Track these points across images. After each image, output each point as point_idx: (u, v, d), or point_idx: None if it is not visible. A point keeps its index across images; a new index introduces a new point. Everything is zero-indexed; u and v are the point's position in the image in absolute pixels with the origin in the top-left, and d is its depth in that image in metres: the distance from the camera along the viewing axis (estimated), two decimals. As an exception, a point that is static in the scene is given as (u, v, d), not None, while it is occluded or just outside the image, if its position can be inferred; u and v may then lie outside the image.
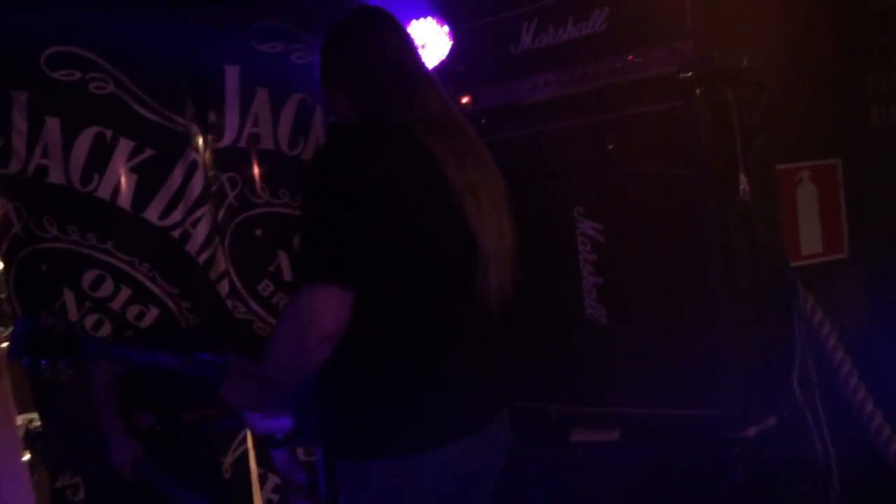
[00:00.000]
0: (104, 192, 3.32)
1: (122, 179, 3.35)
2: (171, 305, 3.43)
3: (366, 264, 1.77)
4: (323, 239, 1.76)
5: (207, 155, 3.53)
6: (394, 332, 1.85)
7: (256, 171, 3.62)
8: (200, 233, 3.48)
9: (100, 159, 3.30)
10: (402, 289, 1.84)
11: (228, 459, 3.50)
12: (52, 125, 3.23)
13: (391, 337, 1.85)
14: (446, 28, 2.80)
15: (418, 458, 1.84)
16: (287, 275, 3.64)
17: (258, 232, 3.60)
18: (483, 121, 2.81)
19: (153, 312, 3.38)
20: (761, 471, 2.40)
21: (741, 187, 2.37)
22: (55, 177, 3.26)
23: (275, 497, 3.57)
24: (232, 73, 3.51)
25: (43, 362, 2.14)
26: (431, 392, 1.87)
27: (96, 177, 3.29)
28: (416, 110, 1.96)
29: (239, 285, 3.59)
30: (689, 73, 2.37)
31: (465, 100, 2.85)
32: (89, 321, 3.29)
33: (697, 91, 2.35)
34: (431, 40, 2.81)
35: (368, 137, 1.88)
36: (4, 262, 3.14)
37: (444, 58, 2.84)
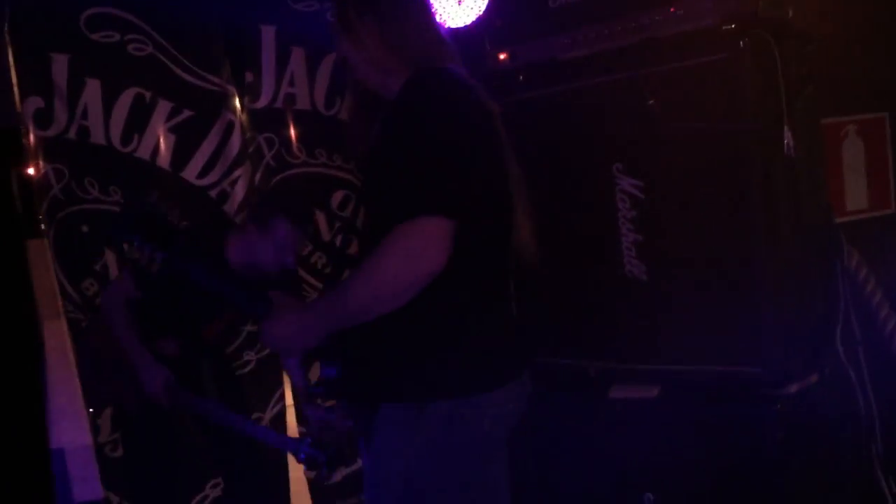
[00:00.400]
0: (144, 153, 3.36)
1: (162, 140, 3.38)
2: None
3: (466, 203, 1.81)
4: (436, 173, 1.78)
5: (244, 115, 3.54)
6: (465, 272, 1.86)
7: (293, 131, 3.64)
8: (238, 193, 3.51)
9: (139, 120, 3.33)
10: (481, 231, 1.88)
11: (267, 415, 3.56)
12: (93, 86, 3.26)
13: (462, 277, 1.86)
14: (484, -18, 2.76)
15: (474, 399, 1.88)
16: (325, 234, 3.66)
17: (295, 192, 3.62)
18: (521, 77, 2.78)
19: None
20: (803, 428, 2.39)
21: (786, 142, 2.32)
22: (96, 137, 3.29)
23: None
24: (268, 33, 3.51)
25: (144, 246, 2.11)
26: (492, 334, 1.92)
27: (136, 137, 3.33)
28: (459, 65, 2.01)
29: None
30: (733, 25, 2.32)
31: (502, 56, 2.81)
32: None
33: (741, 43, 2.30)
34: (469, -5, 2.77)
35: (463, 84, 1.92)
36: (44, 225, 3.18)
37: (480, 13, 2.80)
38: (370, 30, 1.95)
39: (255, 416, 3.51)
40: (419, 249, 1.75)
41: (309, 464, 2.78)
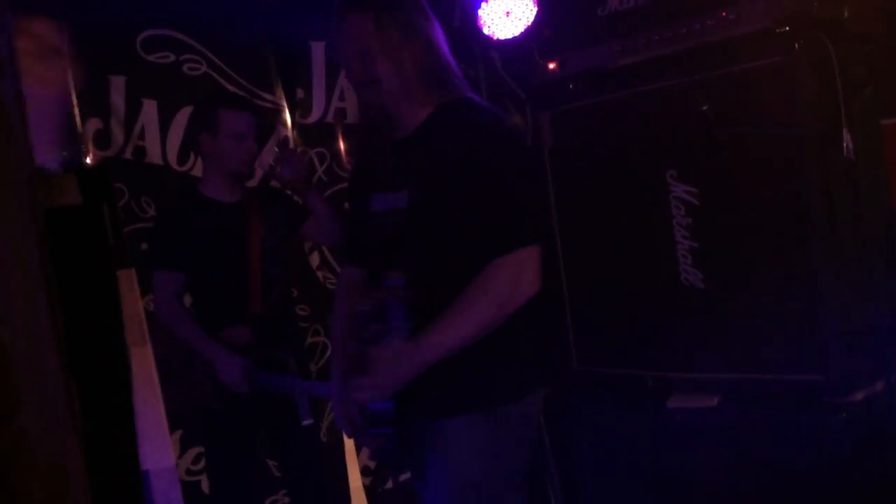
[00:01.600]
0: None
1: (217, 158, 3.43)
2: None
3: (542, 229, 2.09)
4: (521, 207, 1.98)
5: (295, 131, 3.59)
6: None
7: (343, 145, 3.67)
8: (294, 207, 3.55)
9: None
10: (544, 249, 2.05)
11: (325, 423, 3.59)
12: (149, 107, 3.33)
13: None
14: (532, -7, 2.76)
15: (531, 398, 2.07)
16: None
17: (346, 206, 3.64)
18: (571, 86, 2.78)
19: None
20: (870, 437, 2.33)
21: (845, 145, 2.28)
22: (153, 157, 3.36)
23: (371, 464, 3.65)
24: (318, 50, 3.56)
25: None
26: (541, 340, 2.08)
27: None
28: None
29: (329, 257, 3.66)
30: (787, 28, 2.29)
31: (552, 66, 2.81)
32: (187, 298, 3.41)
33: (796, 45, 2.27)
34: (517, 7, 2.77)
35: (500, 115, 2.13)
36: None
37: (529, 24, 2.81)
38: (411, 54, 2.01)
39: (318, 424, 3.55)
40: (525, 276, 1.95)
41: (379, 453, 2.74)
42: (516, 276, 1.94)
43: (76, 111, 3.19)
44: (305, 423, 2.97)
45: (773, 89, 2.30)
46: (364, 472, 3.66)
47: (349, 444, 3.63)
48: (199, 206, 3.02)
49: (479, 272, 1.94)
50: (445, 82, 2.05)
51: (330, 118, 3.62)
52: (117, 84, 3.29)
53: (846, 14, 2.38)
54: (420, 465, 2.10)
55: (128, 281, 0.77)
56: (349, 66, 2.07)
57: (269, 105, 3.50)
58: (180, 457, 3.29)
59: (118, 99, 3.29)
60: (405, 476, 3.61)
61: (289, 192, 3.21)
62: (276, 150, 2.94)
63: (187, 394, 2.98)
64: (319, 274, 3.65)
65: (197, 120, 3.09)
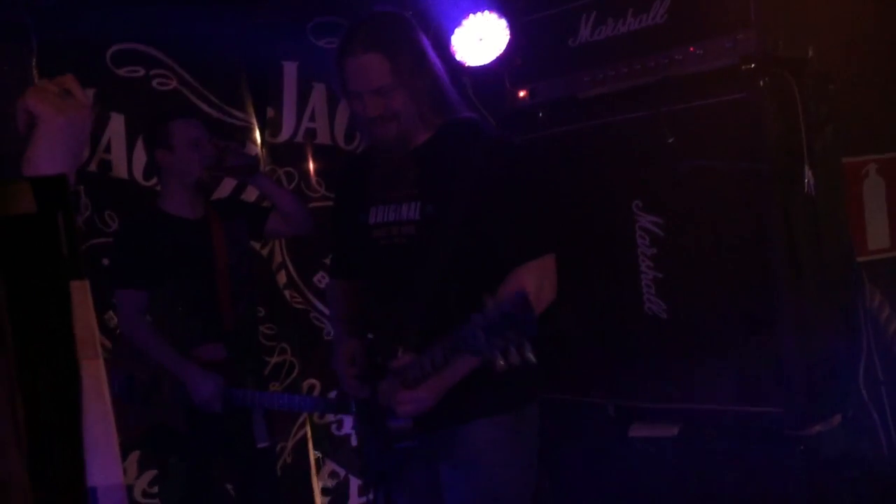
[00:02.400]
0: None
1: (184, 174, 3.40)
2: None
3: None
4: (543, 218, 2.14)
5: (264, 150, 3.58)
6: None
7: (312, 165, 3.66)
8: (260, 227, 3.53)
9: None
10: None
11: (290, 444, 3.55)
12: (117, 121, 3.30)
13: None
14: (504, 22, 2.78)
15: (538, 399, 2.20)
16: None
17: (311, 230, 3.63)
18: (541, 114, 2.80)
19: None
20: (825, 470, 2.36)
21: (806, 181, 2.32)
22: (118, 171, 3.33)
23: (331, 483, 3.61)
24: (290, 69, 3.56)
25: None
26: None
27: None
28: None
29: (295, 276, 3.64)
30: (753, 65, 2.33)
31: (522, 94, 2.84)
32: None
33: (761, 83, 2.31)
34: (490, 34, 2.80)
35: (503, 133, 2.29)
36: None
37: (501, 52, 2.83)
38: (426, 83, 2.10)
39: (279, 445, 3.51)
40: (548, 281, 2.10)
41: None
42: (541, 281, 2.06)
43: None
44: (261, 445, 2.93)
45: (738, 124, 2.34)
46: (324, 492, 3.63)
47: (312, 461, 3.60)
48: (159, 223, 2.97)
49: (493, 280, 2.01)
50: (451, 103, 2.17)
51: (300, 138, 3.62)
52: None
53: (810, 54, 2.44)
54: (423, 480, 2.18)
55: (81, 292, 0.74)
56: (363, 103, 2.10)
57: (238, 123, 3.49)
58: (137, 478, 3.22)
59: (85, 112, 3.26)
60: (363, 499, 3.58)
61: (242, 195, 3.22)
62: (215, 144, 2.93)
63: (154, 416, 2.92)
64: (286, 293, 3.62)
65: (150, 138, 3.04)
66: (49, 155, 1.07)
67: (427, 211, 2.09)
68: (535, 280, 2.05)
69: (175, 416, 2.88)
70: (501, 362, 1.76)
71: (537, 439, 2.19)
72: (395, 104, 2.07)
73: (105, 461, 0.73)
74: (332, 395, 3.29)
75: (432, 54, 2.16)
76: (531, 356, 1.75)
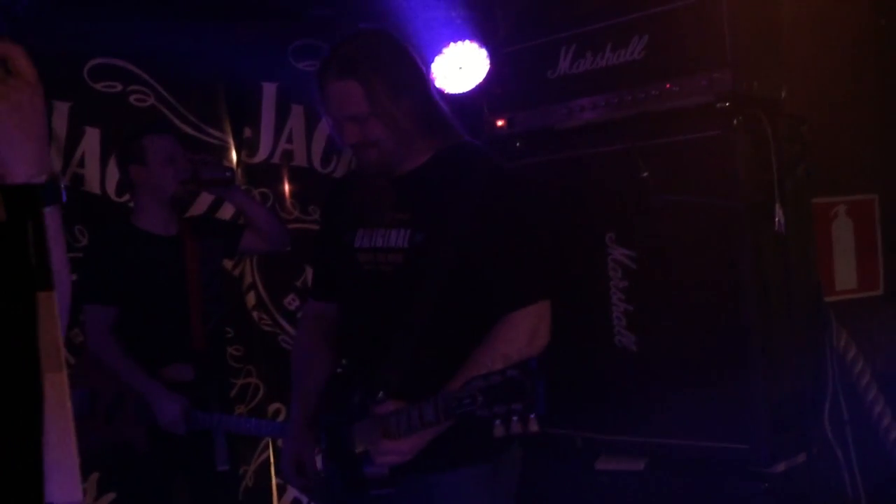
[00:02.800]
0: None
1: (158, 191, 3.37)
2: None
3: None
4: (540, 263, 2.04)
5: (240, 170, 3.56)
6: None
7: (288, 187, 3.66)
8: (232, 247, 3.50)
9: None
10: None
11: (252, 467, 3.50)
12: (92, 135, 3.29)
13: None
14: (485, 51, 2.81)
15: (516, 443, 2.13)
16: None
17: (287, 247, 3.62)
18: (518, 144, 2.82)
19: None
20: (790, 508, 2.36)
21: (777, 219, 2.35)
22: (91, 186, 3.30)
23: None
24: (269, 90, 3.56)
25: None
26: None
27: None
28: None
29: (266, 298, 3.61)
30: (727, 104, 2.37)
31: (500, 122, 2.85)
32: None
33: (735, 121, 2.34)
34: (470, 63, 2.82)
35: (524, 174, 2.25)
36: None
37: (481, 80, 2.85)
38: (405, 110, 2.00)
39: (241, 468, 3.47)
40: (541, 329, 2.01)
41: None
42: (535, 330, 1.98)
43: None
44: (222, 468, 2.89)
45: (711, 161, 2.36)
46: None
47: (274, 486, 3.56)
48: (131, 239, 2.94)
49: (484, 319, 1.94)
50: (444, 128, 2.09)
51: (276, 159, 3.61)
52: (60, 109, 3.24)
53: (784, 94, 2.48)
54: None
55: (47, 303, 0.72)
56: (341, 130, 2.04)
57: (215, 141, 3.48)
58: (96, 500, 3.16)
59: (60, 124, 3.24)
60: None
61: (219, 211, 3.20)
62: (190, 158, 2.92)
63: (116, 434, 2.87)
64: (255, 314, 3.59)
65: (123, 154, 3.01)
66: (7, 147, 0.97)
67: (416, 240, 1.99)
68: (530, 327, 1.97)
69: (137, 436, 2.84)
70: (501, 431, 1.65)
71: (516, 482, 2.14)
72: (372, 132, 2.00)
73: (65, 478, 0.71)
74: None
75: (422, 74, 2.09)
76: (536, 427, 1.64)
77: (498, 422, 1.64)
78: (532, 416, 1.63)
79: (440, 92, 2.19)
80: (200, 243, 3.02)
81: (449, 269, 1.95)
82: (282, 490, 3.62)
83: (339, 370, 2.25)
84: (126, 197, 3.31)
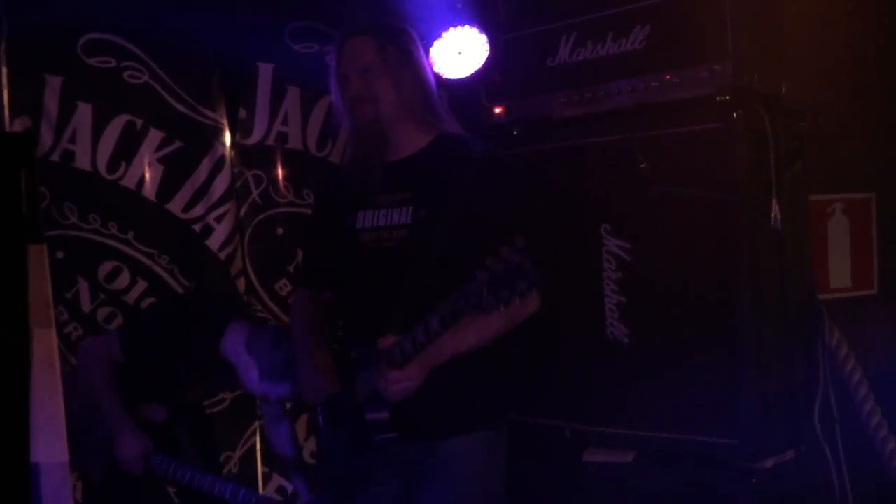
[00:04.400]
0: (130, 182, 3.32)
1: (149, 169, 3.34)
2: (188, 299, 3.41)
3: None
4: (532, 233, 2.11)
5: (233, 151, 3.53)
6: None
7: (281, 170, 3.62)
8: (223, 229, 3.47)
9: (128, 148, 3.30)
10: None
11: (237, 454, 3.48)
12: (84, 111, 3.23)
13: None
14: (485, 37, 2.79)
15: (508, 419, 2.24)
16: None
17: (279, 231, 3.58)
18: (515, 132, 2.81)
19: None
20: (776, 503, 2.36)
21: (773, 214, 2.34)
22: (81, 162, 3.25)
23: (278, 498, 3.54)
24: (265, 71, 3.52)
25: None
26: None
27: (123, 165, 3.29)
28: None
29: (256, 283, 3.58)
30: (727, 97, 2.36)
31: (498, 110, 2.84)
32: (101, 314, 3.28)
33: (734, 114, 2.33)
34: (470, 48, 2.79)
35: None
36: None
37: (479, 67, 2.83)
38: (410, 78, 2.17)
39: (225, 454, 3.43)
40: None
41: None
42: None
43: (5, 107, 3.08)
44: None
45: (709, 154, 2.35)
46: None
47: (259, 475, 3.54)
48: None
49: None
50: (442, 118, 2.24)
51: (270, 141, 3.57)
52: (53, 84, 3.19)
53: (784, 90, 2.47)
54: (389, 495, 2.18)
55: (38, 257, 0.70)
56: (348, 83, 2.18)
57: (209, 122, 3.44)
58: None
59: (51, 100, 3.19)
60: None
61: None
62: None
63: (75, 457, 2.80)
64: (245, 300, 3.56)
65: None
66: None
67: (420, 215, 2.12)
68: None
69: (94, 464, 2.81)
70: (503, 317, 1.82)
71: (505, 460, 2.23)
72: (376, 87, 2.14)
73: (50, 437, 0.69)
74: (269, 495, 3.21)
75: (427, 67, 2.25)
76: (537, 303, 1.85)
77: (503, 306, 1.72)
78: (533, 291, 1.70)
79: (441, 85, 2.34)
80: None
81: (450, 241, 2.07)
82: (267, 477, 3.59)
83: (334, 346, 2.32)
84: (118, 174, 3.27)
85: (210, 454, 3.18)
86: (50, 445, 0.70)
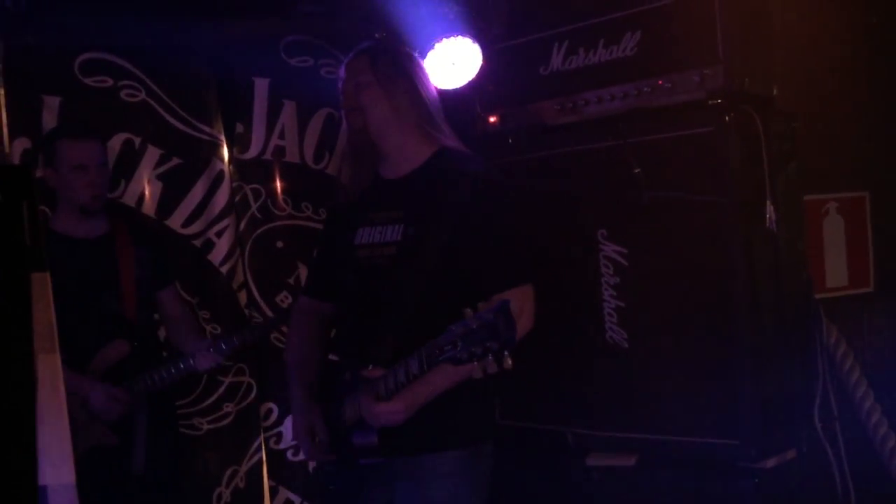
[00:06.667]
0: (130, 199, 3.35)
1: (148, 186, 3.37)
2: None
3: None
4: (523, 253, 2.20)
5: (231, 166, 3.55)
6: None
7: (280, 183, 3.64)
8: (224, 243, 3.49)
9: (127, 166, 3.32)
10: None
11: (243, 468, 3.49)
12: (81, 130, 3.25)
13: None
14: (478, 47, 2.81)
15: (492, 438, 2.26)
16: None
17: (279, 244, 3.61)
18: (510, 140, 2.82)
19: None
20: (780, 503, 2.37)
21: (768, 216, 2.36)
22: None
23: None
24: (261, 86, 3.54)
25: None
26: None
27: (123, 183, 3.31)
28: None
29: (258, 296, 3.60)
30: (719, 100, 2.38)
31: (492, 119, 2.86)
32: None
33: (727, 118, 2.35)
34: (463, 59, 2.81)
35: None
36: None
37: (474, 77, 2.85)
38: (404, 88, 2.24)
39: (231, 468, 3.44)
40: (527, 311, 2.14)
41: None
42: (521, 307, 2.08)
43: (4, 128, 3.10)
44: (136, 470, 2.81)
45: (703, 157, 2.37)
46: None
47: (266, 489, 3.54)
48: (48, 244, 2.76)
49: (469, 301, 2.00)
50: (441, 129, 2.28)
51: (268, 155, 3.59)
52: (51, 104, 3.21)
53: (775, 92, 2.49)
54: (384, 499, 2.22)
55: (41, 285, 0.72)
56: (345, 99, 2.29)
57: (206, 138, 3.46)
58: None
59: (50, 119, 3.22)
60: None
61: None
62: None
63: (85, 439, 2.81)
64: (247, 312, 3.58)
65: (40, 156, 2.89)
66: None
67: (408, 233, 2.17)
68: (516, 306, 2.03)
69: (106, 433, 2.80)
70: (479, 373, 1.80)
71: (489, 476, 2.25)
72: (364, 98, 2.23)
73: (57, 459, 0.71)
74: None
75: (425, 82, 2.31)
76: (510, 362, 1.78)
77: (476, 364, 1.79)
78: (506, 353, 1.77)
79: (440, 96, 2.35)
80: (136, 248, 2.94)
81: (437, 259, 2.11)
82: (274, 491, 3.60)
83: (331, 358, 2.39)
84: (118, 192, 3.29)
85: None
86: (57, 468, 0.72)
